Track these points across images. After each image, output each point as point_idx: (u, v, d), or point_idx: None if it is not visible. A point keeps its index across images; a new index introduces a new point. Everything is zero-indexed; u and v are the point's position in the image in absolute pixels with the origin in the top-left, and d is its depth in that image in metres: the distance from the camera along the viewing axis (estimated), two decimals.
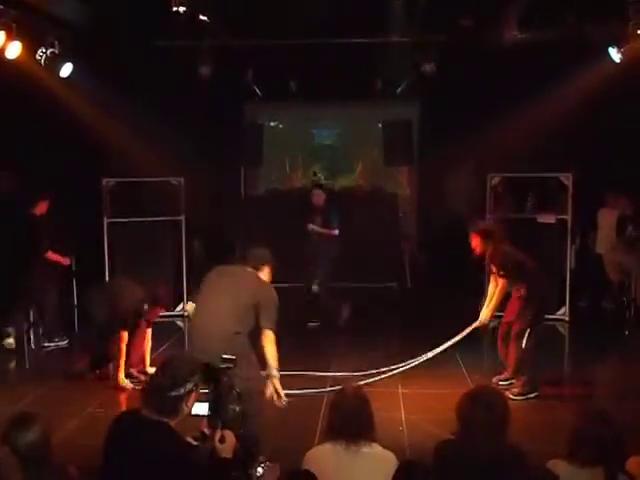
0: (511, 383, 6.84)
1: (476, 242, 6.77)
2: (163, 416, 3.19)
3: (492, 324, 7.42)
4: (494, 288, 6.95)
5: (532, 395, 6.63)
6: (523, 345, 6.68)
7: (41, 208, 8.67)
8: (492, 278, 7.02)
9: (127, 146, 10.22)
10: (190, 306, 5.90)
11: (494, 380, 6.94)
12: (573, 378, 7.63)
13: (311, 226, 9.60)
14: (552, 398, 6.63)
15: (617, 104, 9.34)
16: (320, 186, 10.50)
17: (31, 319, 8.99)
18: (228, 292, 4.98)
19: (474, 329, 7.08)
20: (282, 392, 4.95)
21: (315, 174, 14.25)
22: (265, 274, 5.21)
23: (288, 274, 9.66)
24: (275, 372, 4.94)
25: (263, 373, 5.00)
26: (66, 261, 8.98)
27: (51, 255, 8.76)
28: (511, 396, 6.39)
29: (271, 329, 4.94)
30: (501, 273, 6.74)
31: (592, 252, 10.17)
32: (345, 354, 8.11)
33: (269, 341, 4.94)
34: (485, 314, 6.97)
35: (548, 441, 4.52)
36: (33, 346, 8.80)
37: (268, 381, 4.97)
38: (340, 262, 9.78)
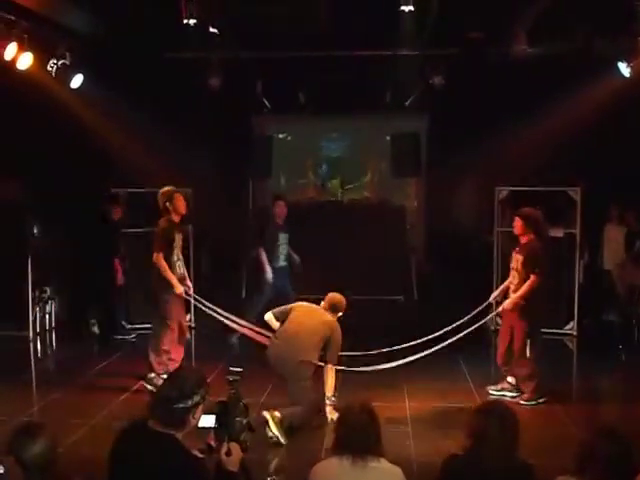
0: (503, 394, 6.83)
1: (518, 225, 6.85)
2: (169, 428, 3.17)
3: (493, 327, 7.41)
4: (513, 285, 6.83)
5: (541, 400, 6.70)
6: (527, 355, 6.84)
7: (117, 213, 9.08)
8: (513, 274, 6.85)
9: (136, 156, 10.27)
10: (269, 316, 6.43)
11: (487, 388, 7.00)
12: (581, 393, 7.59)
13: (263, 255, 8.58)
14: (560, 413, 6.58)
15: (626, 118, 9.33)
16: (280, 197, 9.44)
17: None
18: (308, 326, 6.12)
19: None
20: (335, 415, 5.65)
21: (323, 185, 14.27)
22: (337, 316, 6.37)
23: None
24: (332, 398, 6.13)
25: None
26: (121, 279, 9.34)
27: (117, 262, 9.22)
28: (522, 402, 6.60)
29: (334, 364, 6.19)
30: (537, 271, 6.61)
31: (600, 267, 10.13)
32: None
33: (330, 374, 6.15)
34: (510, 300, 6.78)
35: (556, 456, 4.49)
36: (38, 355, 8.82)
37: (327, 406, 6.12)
38: (347, 274, 9.68)
